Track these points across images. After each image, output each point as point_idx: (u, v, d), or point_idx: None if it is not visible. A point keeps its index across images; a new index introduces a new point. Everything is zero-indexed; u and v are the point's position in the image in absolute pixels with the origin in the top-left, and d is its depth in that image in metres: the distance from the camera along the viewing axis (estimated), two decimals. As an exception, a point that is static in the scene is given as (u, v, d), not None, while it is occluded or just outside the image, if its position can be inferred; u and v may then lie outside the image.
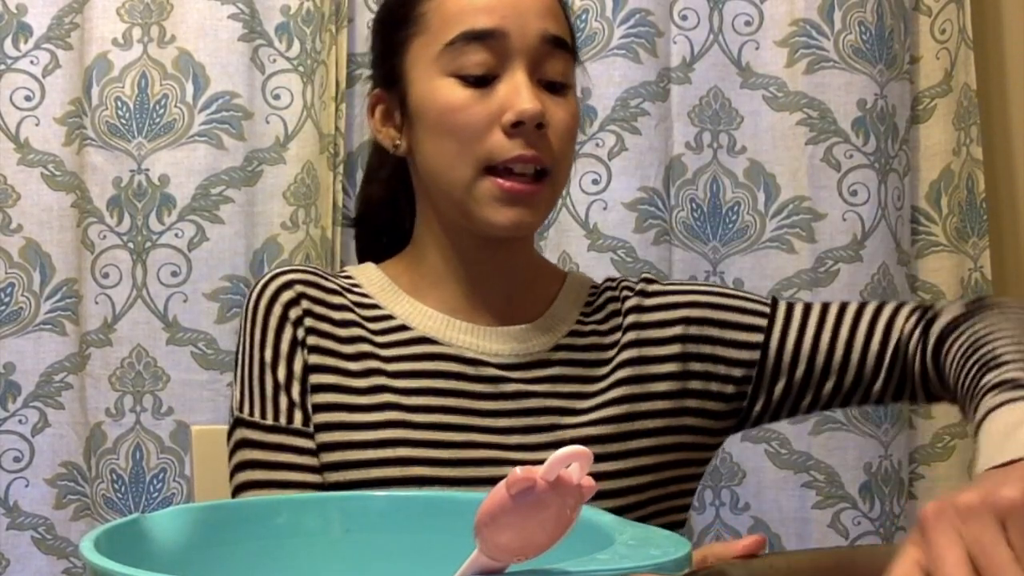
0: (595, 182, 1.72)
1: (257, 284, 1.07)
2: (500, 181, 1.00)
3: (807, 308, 1.08)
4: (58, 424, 1.71)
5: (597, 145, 1.72)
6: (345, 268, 1.14)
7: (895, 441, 1.73)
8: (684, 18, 1.74)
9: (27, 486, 1.70)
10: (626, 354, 1.08)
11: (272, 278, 1.07)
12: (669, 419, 1.06)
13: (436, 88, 1.02)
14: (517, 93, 1.00)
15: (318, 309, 1.06)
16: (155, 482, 1.68)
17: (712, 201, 1.75)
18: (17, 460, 1.70)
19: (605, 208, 1.71)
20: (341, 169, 1.74)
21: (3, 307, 1.70)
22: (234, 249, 1.69)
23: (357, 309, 1.07)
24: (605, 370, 1.07)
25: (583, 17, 1.72)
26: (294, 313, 1.05)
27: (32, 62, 1.71)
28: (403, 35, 1.06)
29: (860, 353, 1.04)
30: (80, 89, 1.69)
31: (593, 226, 1.71)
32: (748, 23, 1.75)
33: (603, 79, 1.71)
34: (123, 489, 1.67)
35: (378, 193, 1.18)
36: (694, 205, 1.74)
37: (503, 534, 0.54)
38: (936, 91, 1.79)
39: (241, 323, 1.07)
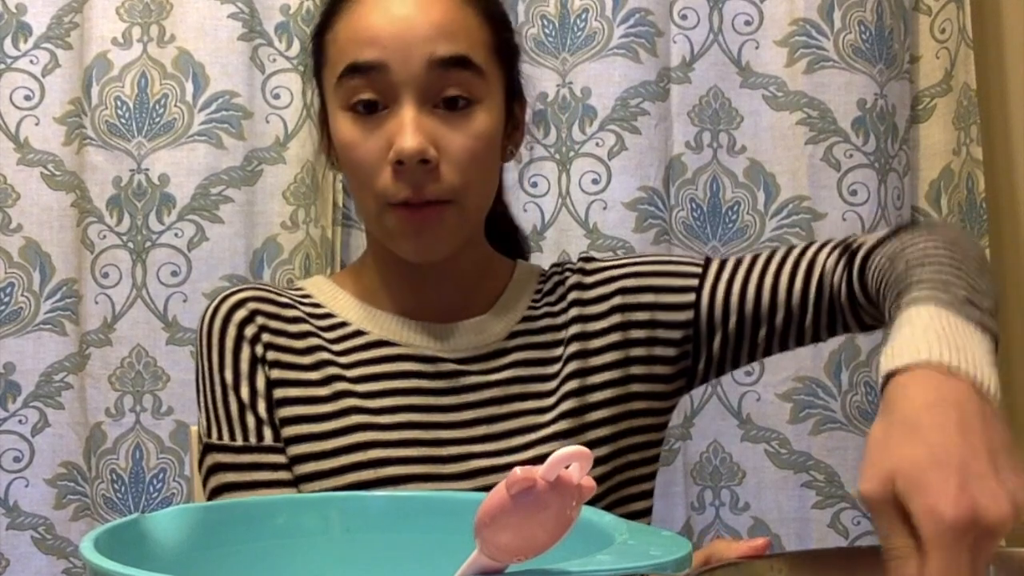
0: (595, 182, 1.72)
1: (208, 308, 1.07)
2: (401, 213, 1.00)
3: (738, 261, 1.10)
4: (58, 424, 1.71)
5: (597, 145, 1.72)
6: (295, 282, 1.15)
7: (895, 441, 1.73)
8: (684, 18, 1.74)
9: (27, 486, 1.70)
10: (572, 330, 1.09)
11: (223, 299, 1.07)
12: (617, 389, 1.08)
13: (337, 122, 1.03)
14: (399, 129, 0.98)
15: (273, 324, 1.06)
16: (155, 482, 1.68)
17: (712, 201, 1.74)
18: (17, 460, 1.70)
19: (605, 208, 1.71)
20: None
21: (3, 307, 1.70)
22: (234, 249, 1.69)
23: (312, 320, 1.08)
24: (559, 351, 1.09)
25: (583, 17, 1.72)
26: (250, 331, 1.05)
27: (32, 62, 1.71)
28: (317, 63, 1.07)
29: (785, 294, 1.06)
30: (80, 89, 1.69)
31: (593, 226, 1.71)
32: (748, 23, 1.75)
33: (603, 79, 1.71)
34: (123, 489, 1.67)
35: None
36: (694, 205, 1.74)
37: (503, 534, 0.54)
38: (936, 91, 1.79)
39: (197, 349, 1.06)
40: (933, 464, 0.65)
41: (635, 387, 1.09)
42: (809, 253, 1.08)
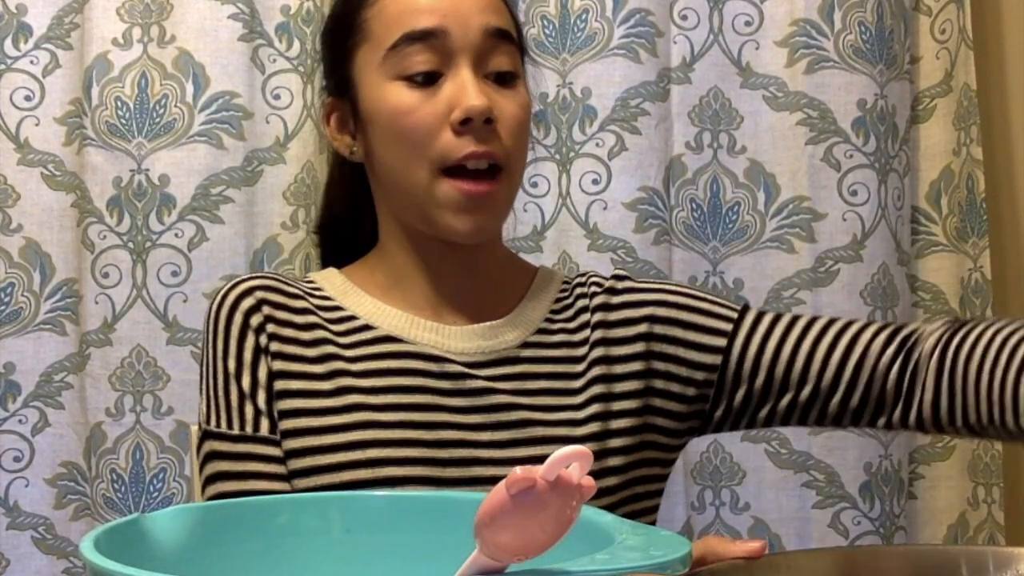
0: (595, 182, 1.72)
1: (216, 295, 1.06)
2: (459, 184, 1.00)
3: (776, 318, 1.07)
4: (58, 424, 1.71)
5: (597, 145, 1.72)
6: (307, 274, 1.14)
7: (895, 441, 1.73)
8: (684, 18, 1.74)
9: (27, 486, 1.70)
10: (596, 353, 1.07)
11: (231, 287, 1.06)
12: (636, 419, 1.06)
13: (384, 93, 1.02)
14: (464, 90, 1.00)
15: (280, 315, 1.05)
16: (155, 482, 1.68)
17: (712, 201, 1.75)
18: (17, 460, 1.70)
19: (605, 208, 1.71)
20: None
21: (3, 307, 1.70)
22: (234, 249, 1.69)
23: (320, 312, 1.07)
24: (579, 368, 1.07)
25: (583, 17, 1.72)
26: (255, 320, 1.04)
27: (32, 62, 1.71)
28: (349, 44, 1.07)
29: (820, 366, 1.03)
30: (80, 89, 1.69)
31: (593, 226, 1.71)
32: (748, 23, 1.75)
33: (603, 79, 1.71)
34: (123, 489, 1.67)
35: (340, 198, 1.18)
36: (694, 205, 1.74)
37: (503, 534, 0.54)
38: (936, 91, 1.79)
39: (204, 335, 1.06)
40: None
41: (652, 419, 1.07)
42: (852, 330, 1.05)
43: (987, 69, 1.81)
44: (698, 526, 1.73)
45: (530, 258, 1.68)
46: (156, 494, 1.68)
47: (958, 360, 0.97)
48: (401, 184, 1.04)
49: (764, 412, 1.07)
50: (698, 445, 1.73)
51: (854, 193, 1.73)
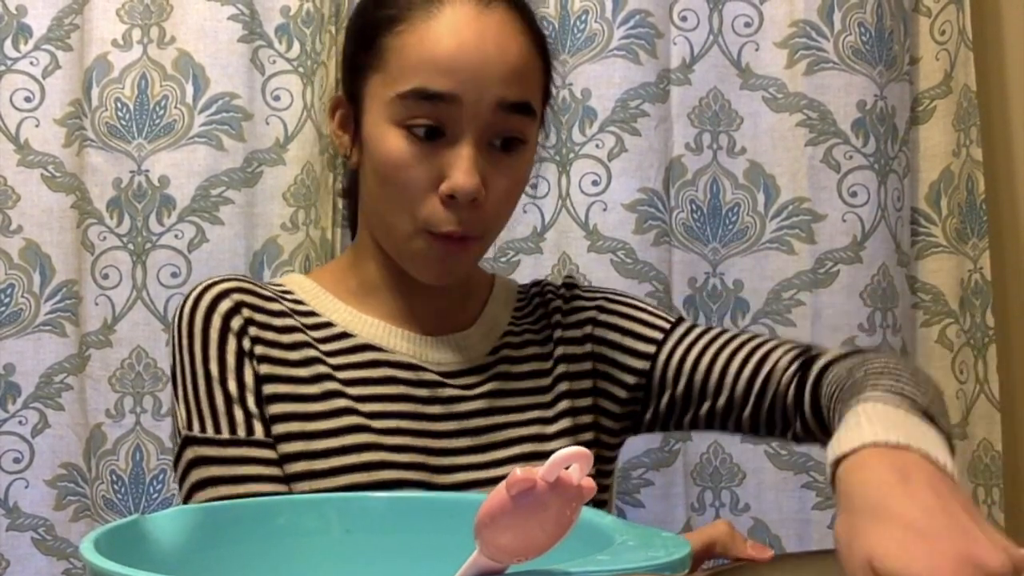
0: (595, 183, 1.72)
1: (189, 297, 1.04)
2: (434, 241, 1.00)
3: (704, 331, 1.12)
4: (58, 425, 1.71)
5: (597, 146, 1.72)
6: (274, 279, 1.14)
7: (895, 442, 1.73)
8: (684, 19, 1.74)
9: (27, 487, 1.70)
10: (559, 351, 1.12)
11: (205, 289, 1.04)
12: (591, 416, 1.12)
13: (384, 135, 1.00)
14: (458, 165, 0.98)
15: (259, 317, 1.04)
16: (155, 483, 1.68)
17: (712, 202, 1.74)
18: (17, 461, 1.70)
19: (605, 209, 1.71)
20: (341, 170, 1.74)
21: (3, 308, 1.70)
22: (234, 250, 1.69)
23: (296, 316, 1.07)
24: (547, 366, 1.11)
25: (583, 18, 1.72)
26: (236, 323, 1.02)
27: (32, 63, 1.71)
28: (365, 62, 1.04)
29: (732, 378, 1.08)
30: (80, 90, 1.69)
31: (593, 227, 1.71)
32: (748, 24, 1.75)
33: (603, 80, 1.71)
34: (123, 490, 1.67)
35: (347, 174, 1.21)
36: (694, 206, 1.74)
37: (503, 535, 0.54)
38: (936, 92, 1.79)
39: (175, 340, 1.03)
40: (918, 537, 0.61)
41: (599, 417, 1.13)
42: (767, 346, 1.09)
43: (987, 70, 1.81)
44: (698, 527, 1.73)
45: (530, 259, 1.69)
46: (156, 495, 1.68)
47: (818, 388, 1.00)
48: (381, 220, 1.04)
49: (688, 417, 1.12)
50: (698, 446, 1.73)
51: (854, 194, 1.73)
